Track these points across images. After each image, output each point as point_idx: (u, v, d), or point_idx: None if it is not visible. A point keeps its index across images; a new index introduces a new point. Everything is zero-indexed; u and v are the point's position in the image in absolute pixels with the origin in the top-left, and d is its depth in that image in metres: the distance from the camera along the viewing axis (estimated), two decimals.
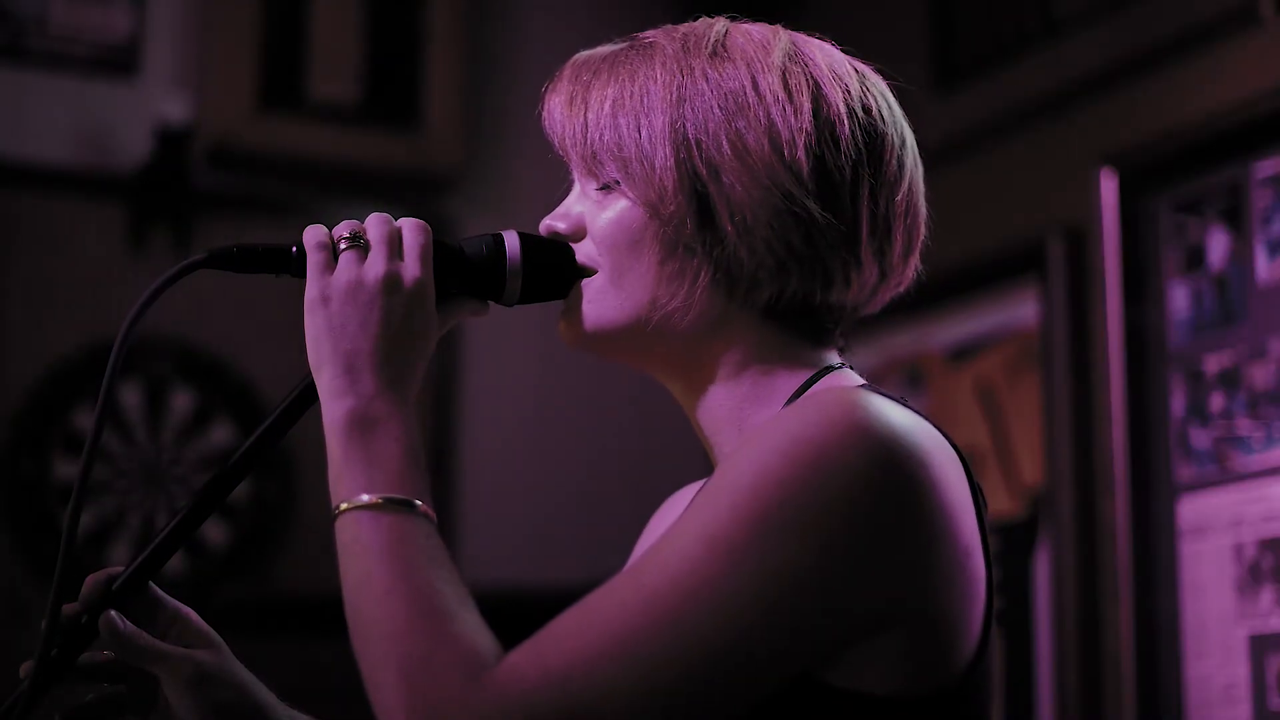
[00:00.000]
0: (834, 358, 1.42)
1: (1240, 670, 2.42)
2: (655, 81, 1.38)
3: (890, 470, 1.21)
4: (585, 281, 1.40)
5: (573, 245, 1.41)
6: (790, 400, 1.36)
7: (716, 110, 1.35)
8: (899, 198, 1.40)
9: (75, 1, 3.43)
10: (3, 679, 1.42)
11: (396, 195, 3.63)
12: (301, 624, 3.12)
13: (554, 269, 1.41)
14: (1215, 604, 2.46)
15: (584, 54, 1.47)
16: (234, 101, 3.45)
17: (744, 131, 1.34)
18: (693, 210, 1.35)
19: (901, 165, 1.41)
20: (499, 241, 1.40)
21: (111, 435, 3.37)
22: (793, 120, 1.35)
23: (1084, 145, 2.81)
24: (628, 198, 1.38)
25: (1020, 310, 2.92)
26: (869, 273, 1.38)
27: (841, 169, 1.36)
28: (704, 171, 1.34)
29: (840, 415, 1.22)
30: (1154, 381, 2.62)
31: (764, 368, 1.39)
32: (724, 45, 1.39)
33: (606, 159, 1.38)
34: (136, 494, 3.38)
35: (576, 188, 1.44)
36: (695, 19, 1.44)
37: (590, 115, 1.40)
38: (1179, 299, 2.60)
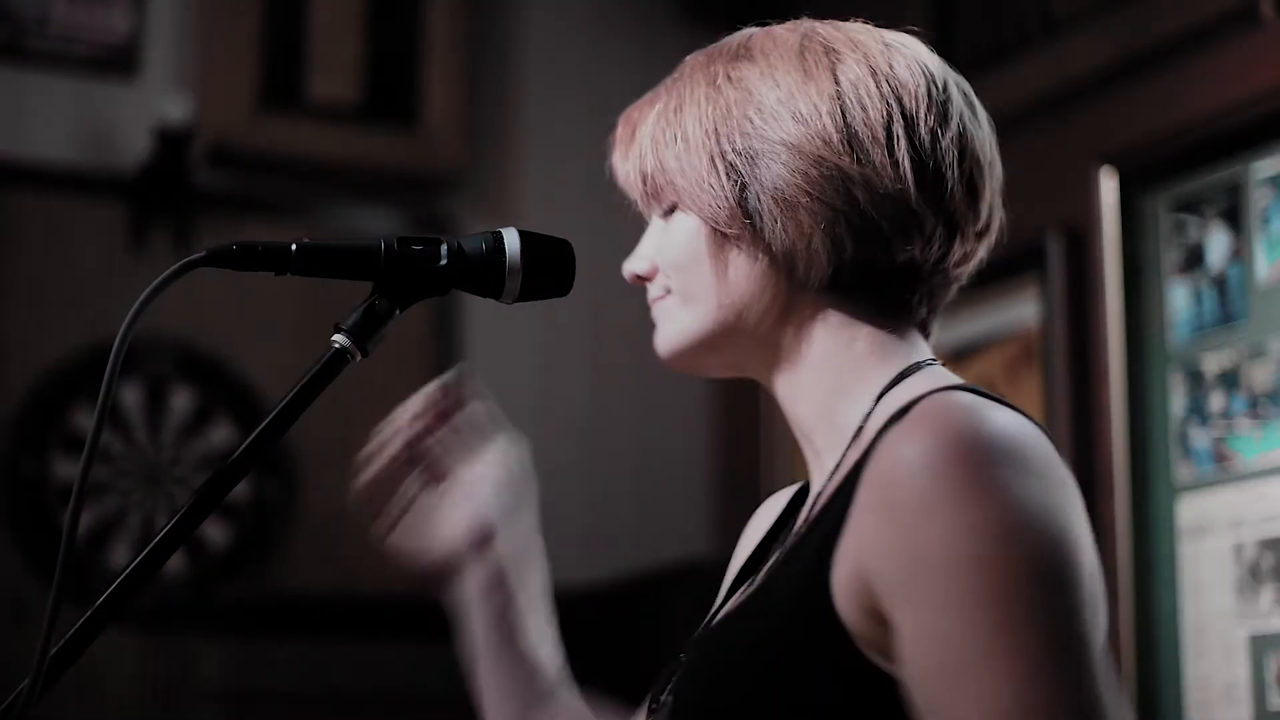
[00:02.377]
0: (920, 344, 1.41)
1: (1240, 670, 2.42)
2: (686, 98, 1.42)
3: (1053, 501, 1.23)
4: (661, 304, 1.44)
5: (652, 282, 1.45)
6: (883, 394, 1.36)
7: (737, 102, 1.39)
8: (945, 142, 1.40)
9: (75, 1, 3.43)
10: (3, 679, 1.41)
11: (396, 195, 3.63)
12: (301, 624, 3.13)
13: (554, 267, 1.41)
14: (1215, 604, 2.46)
15: (632, 105, 1.51)
16: (234, 101, 3.45)
17: (765, 113, 1.37)
18: (732, 201, 1.37)
19: (944, 110, 1.42)
20: (498, 239, 1.40)
21: (111, 435, 3.37)
22: (812, 92, 1.38)
23: (1084, 145, 2.81)
24: (682, 214, 1.41)
25: (1020, 310, 2.92)
26: (928, 225, 1.38)
27: (870, 125, 1.37)
28: (735, 160, 1.37)
29: (993, 465, 1.22)
30: (1154, 381, 2.62)
31: (848, 356, 1.39)
32: (746, 47, 1.43)
33: (660, 183, 1.42)
34: (136, 494, 3.38)
35: (650, 227, 1.48)
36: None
37: (640, 150, 1.45)
38: (1179, 299, 2.60)
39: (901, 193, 1.36)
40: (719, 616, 1.42)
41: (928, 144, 1.39)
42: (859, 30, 1.45)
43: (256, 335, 3.46)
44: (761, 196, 1.36)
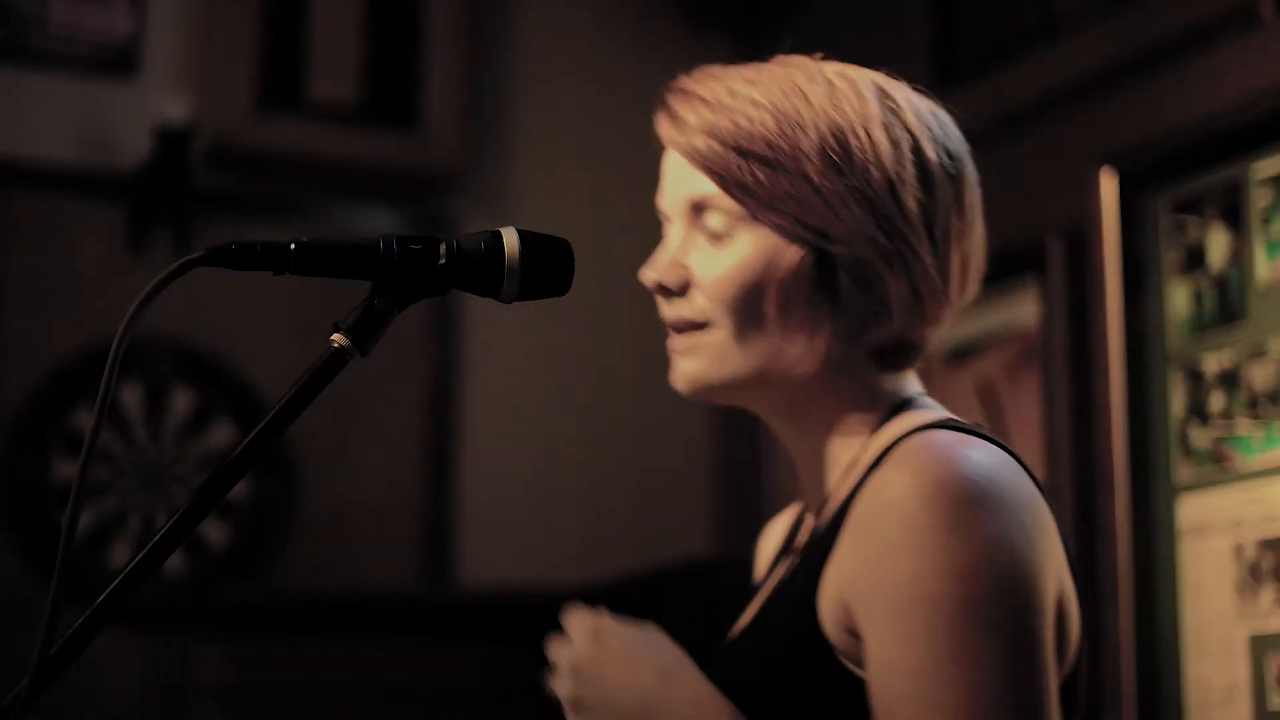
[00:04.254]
0: (911, 383, 1.48)
1: (1240, 670, 2.42)
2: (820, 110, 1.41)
3: (1016, 541, 1.29)
4: (703, 335, 1.42)
5: (680, 298, 1.43)
6: (874, 433, 1.41)
7: (841, 165, 1.39)
8: (973, 230, 1.48)
9: (75, 1, 3.43)
10: (3, 679, 1.41)
11: (396, 195, 3.63)
12: (301, 624, 3.13)
13: (553, 266, 1.41)
14: (1215, 604, 2.46)
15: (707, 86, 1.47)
16: (234, 101, 3.45)
17: (867, 185, 1.39)
18: (815, 265, 1.39)
19: (972, 204, 1.48)
20: (497, 238, 1.40)
21: (111, 435, 3.37)
22: (906, 173, 1.40)
23: (1084, 145, 2.81)
24: (758, 238, 1.40)
25: (1020, 310, 2.92)
26: (954, 309, 1.47)
27: (939, 221, 1.42)
28: (827, 227, 1.38)
29: (958, 506, 1.28)
30: (1154, 381, 2.61)
31: (851, 401, 1.44)
32: (834, 95, 1.41)
33: (750, 196, 1.40)
34: (136, 494, 3.38)
35: (679, 229, 1.45)
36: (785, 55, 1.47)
37: (731, 150, 1.41)
38: (1179, 299, 2.60)
39: (947, 284, 1.44)
40: (737, 633, 1.50)
41: (969, 238, 1.48)
42: (919, 104, 1.48)
43: (256, 335, 3.46)
44: (841, 266, 1.38)
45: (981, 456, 1.31)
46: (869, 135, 1.39)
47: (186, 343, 3.44)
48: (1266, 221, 2.47)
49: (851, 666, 1.31)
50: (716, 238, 1.41)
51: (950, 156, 1.44)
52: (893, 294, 1.39)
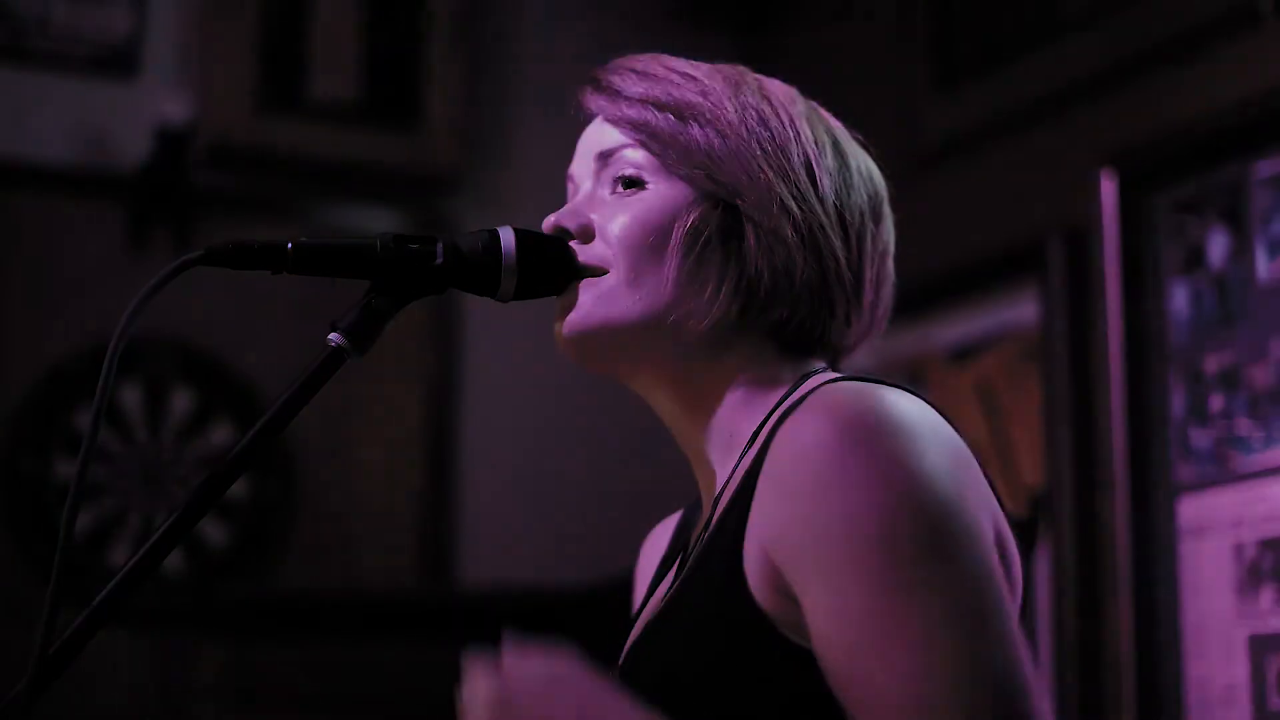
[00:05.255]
0: (815, 364, 1.45)
1: (1240, 670, 2.42)
2: (736, 91, 1.44)
3: (947, 476, 1.24)
4: (592, 281, 1.41)
5: (579, 244, 1.42)
6: (779, 405, 1.38)
7: (760, 133, 1.41)
8: (890, 260, 1.46)
9: (75, 1, 3.43)
10: (3, 679, 1.41)
11: (396, 195, 3.63)
12: (301, 624, 3.13)
13: (550, 266, 1.41)
14: (1215, 604, 2.46)
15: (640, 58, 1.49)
16: (234, 101, 3.45)
17: (784, 158, 1.40)
18: (722, 220, 1.39)
19: (890, 230, 1.48)
20: (494, 238, 1.40)
21: (111, 435, 3.37)
22: (825, 161, 1.41)
23: (1084, 145, 2.81)
24: (662, 190, 1.40)
25: (1020, 310, 2.92)
26: (864, 320, 1.44)
27: (853, 215, 1.42)
28: (740, 185, 1.39)
29: (880, 441, 1.23)
30: (1154, 381, 2.61)
31: (756, 382, 1.42)
32: (763, 87, 1.45)
33: (665, 148, 1.41)
34: (136, 494, 3.37)
35: (586, 185, 1.45)
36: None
37: (657, 106, 1.43)
38: (1179, 299, 2.60)
39: (859, 287, 1.42)
40: (643, 629, 1.41)
41: (879, 254, 1.46)
42: (842, 128, 1.50)
43: (256, 335, 3.46)
44: (748, 228, 1.38)
45: (896, 397, 1.28)
46: (791, 120, 1.42)
47: (186, 343, 3.44)
48: (1266, 221, 2.47)
49: (792, 636, 1.25)
50: (625, 186, 1.41)
51: (870, 175, 1.47)
52: (798, 266, 1.38)
